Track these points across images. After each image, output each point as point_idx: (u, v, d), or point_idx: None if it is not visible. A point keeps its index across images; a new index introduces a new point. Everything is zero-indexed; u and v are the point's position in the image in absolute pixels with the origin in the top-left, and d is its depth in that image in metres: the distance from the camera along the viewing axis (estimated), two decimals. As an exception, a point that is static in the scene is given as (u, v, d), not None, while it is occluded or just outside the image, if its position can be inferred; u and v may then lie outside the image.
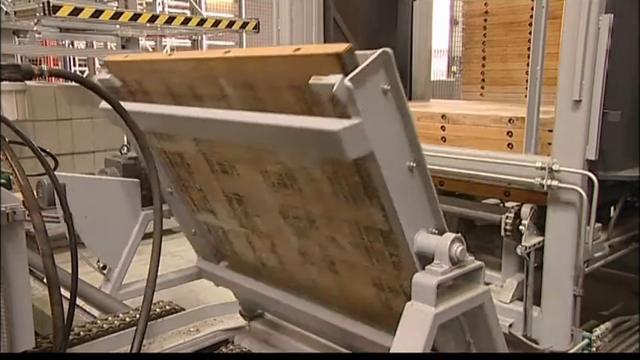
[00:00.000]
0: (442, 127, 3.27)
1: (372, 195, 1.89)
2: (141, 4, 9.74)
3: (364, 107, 1.62)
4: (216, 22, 6.84)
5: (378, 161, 1.69)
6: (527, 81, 2.84)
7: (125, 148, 4.24)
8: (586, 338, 2.76)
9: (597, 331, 2.78)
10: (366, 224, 2.04)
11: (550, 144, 2.74)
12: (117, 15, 5.84)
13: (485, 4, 4.74)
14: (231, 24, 7.06)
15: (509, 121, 2.96)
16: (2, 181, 2.20)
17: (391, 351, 1.89)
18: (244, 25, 7.19)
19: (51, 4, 5.18)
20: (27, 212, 1.25)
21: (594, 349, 2.76)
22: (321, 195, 2.09)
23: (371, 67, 1.68)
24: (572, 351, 2.73)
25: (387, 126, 1.74)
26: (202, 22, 6.74)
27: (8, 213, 1.20)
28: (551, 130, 2.72)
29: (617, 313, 3.09)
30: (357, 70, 1.60)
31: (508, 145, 2.96)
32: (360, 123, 1.60)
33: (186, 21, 6.62)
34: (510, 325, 2.81)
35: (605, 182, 2.66)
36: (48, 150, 2.69)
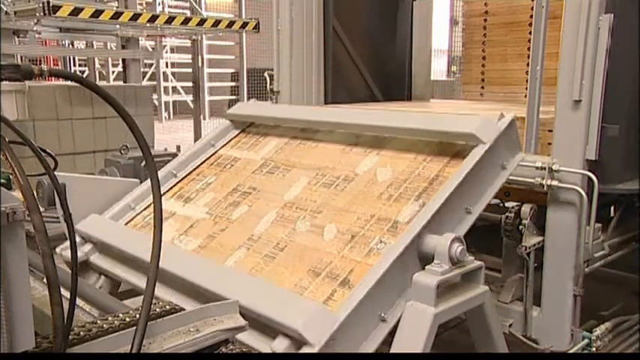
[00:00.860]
0: None
1: (422, 196, 2.22)
2: (141, 4, 9.75)
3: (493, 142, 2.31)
4: (216, 22, 6.84)
5: (475, 157, 2.24)
6: (527, 81, 2.84)
7: (126, 148, 4.24)
8: (586, 338, 2.76)
9: (597, 331, 2.78)
10: (384, 217, 2.21)
11: (550, 144, 2.73)
12: (117, 15, 5.84)
13: (485, 4, 4.73)
14: (231, 24, 7.06)
15: None
16: (2, 181, 2.20)
17: (391, 351, 1.89)
18: (244, 25, 7.18)
19: (51, 4, 5.18)
20: (27, 212, 1.25)
21: (594, 349, 2.76)
22: (361, 194, 2.37)
23: (512, 141, 2.43)
24: (572, 351, 2.73)
25: (486, 171, 2.30)
26: (202, 22, 6.74)
27: (8, 213, 1.19)
28: (551, 130, 2.72)
29: (617, 313, 3.09)
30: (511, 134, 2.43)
31: (508, 145, 2.96)
32: (498, 129, 2.35)
33: (186, 21, 6.62)
34: (510, 325, 2.81)
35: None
36: (48, 150, 2.69)
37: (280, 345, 1.78)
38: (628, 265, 3.37)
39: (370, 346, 1.86)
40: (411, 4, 4.62)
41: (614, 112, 2.62)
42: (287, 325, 1.78)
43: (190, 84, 7.75)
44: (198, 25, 6.66)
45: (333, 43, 3.96)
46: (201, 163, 3.08)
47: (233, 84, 15.81)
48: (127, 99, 6.39)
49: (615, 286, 3.57)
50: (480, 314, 2.13)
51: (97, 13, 5.61)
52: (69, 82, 6.49)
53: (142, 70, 8.47)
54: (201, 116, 8.70)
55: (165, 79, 15.86)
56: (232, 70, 15.81)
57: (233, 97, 15.78)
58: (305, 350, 1.74)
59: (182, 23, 6.52)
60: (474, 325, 2.21)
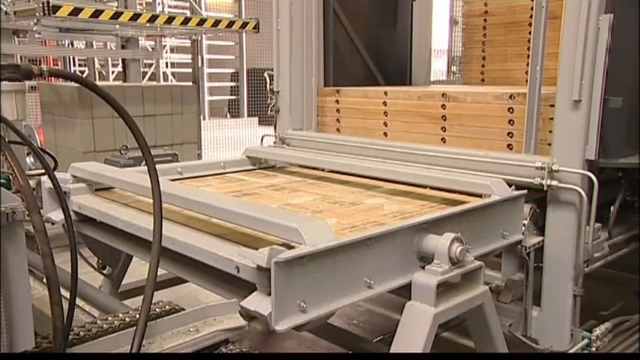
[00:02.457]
0: (442, 105, 3.27)
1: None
2: (141, 4, 9.73)
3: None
4: (216, 22, 6.82)
5: (486, 200, 2.48)
6: (527, 81, 2.84)
7: (126, 148, 4.24)
8: (586, 338, 2.75)
9: (597, 331, 2.78)
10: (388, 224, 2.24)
11: (552, 119, 2.73)
12: (117, 15, 5.82)
13: (485, 4, 4.73)
14: (230, 24, 7.04)
15: (510, 97, 2.96)
16: (2, 181, 2.20)
17: (391, 351, 1.90)
18: (244, 25, 7.17)
19: (51, 4, 5.17)
20: (27, 212, 1.25)
21: (594, 349, 2.76)
22: (366, 210, 2.55)
23: (517, 215, 2.63)
24: (572, 351, 2.72)
25: (489, 222, 2.45)
26: (202, 22, 6.72)
27: (8, 213, 1.20)
28: (552, 105, 2.71)
29: (617, 313, 3.09)
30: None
31: (509, 121, 2.96)
32: (509, 192, 2.57)
33: (186, 21, 6.60)
34: (510, 325, 2.81)
35: (604, 180, 2.66)
36: (48, 150, 2.69)
37: (273, 252, 1.64)
38: (628, 265, 3.37)
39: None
40: (411, 4, 4.62)
41: (617, 85, 2.62)
42: (285, 225, 1.80)
43: (190, 84, 7.74)
44: (198, 25, 6.64)
45: (334, 39, 3.97)
46: (208, 175, 3.21)
47: (233, 84, 15.81)
48: (174, 98, 6.57)
49: (615, 286, 3.57)
50: (480, 314, 2.13)
51: (96, 13, 5.60)
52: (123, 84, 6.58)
53: (141, 70, 8.46)
54: (201, 116, 8.70)
55: (165, 79, 15.85)
56: (232, 70, 15.80)
57: (233, 97, 15.78)
58: (298, 250, 1.67)
59: (182, 23, 6.51)
60: (473, 325, 2.21)
